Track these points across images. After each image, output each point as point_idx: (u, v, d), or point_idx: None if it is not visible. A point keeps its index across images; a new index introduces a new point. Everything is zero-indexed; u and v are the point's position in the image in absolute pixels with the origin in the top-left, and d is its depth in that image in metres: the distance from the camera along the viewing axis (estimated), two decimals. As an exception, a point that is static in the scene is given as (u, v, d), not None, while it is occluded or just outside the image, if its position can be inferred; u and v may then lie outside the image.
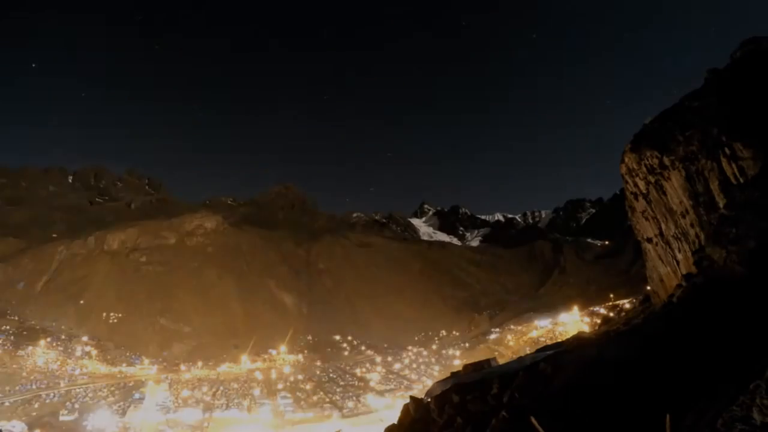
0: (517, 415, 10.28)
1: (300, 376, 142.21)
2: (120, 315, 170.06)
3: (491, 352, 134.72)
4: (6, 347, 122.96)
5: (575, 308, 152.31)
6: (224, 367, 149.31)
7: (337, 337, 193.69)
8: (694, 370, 8.50)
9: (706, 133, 19.67)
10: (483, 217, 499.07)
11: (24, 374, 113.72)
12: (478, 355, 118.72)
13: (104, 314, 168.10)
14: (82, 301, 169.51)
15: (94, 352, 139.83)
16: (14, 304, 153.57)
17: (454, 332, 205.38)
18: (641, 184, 24.94)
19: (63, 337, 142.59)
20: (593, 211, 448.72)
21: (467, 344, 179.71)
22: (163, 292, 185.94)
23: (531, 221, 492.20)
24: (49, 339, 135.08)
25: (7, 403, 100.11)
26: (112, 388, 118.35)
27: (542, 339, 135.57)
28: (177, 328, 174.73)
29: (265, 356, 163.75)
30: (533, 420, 9.43)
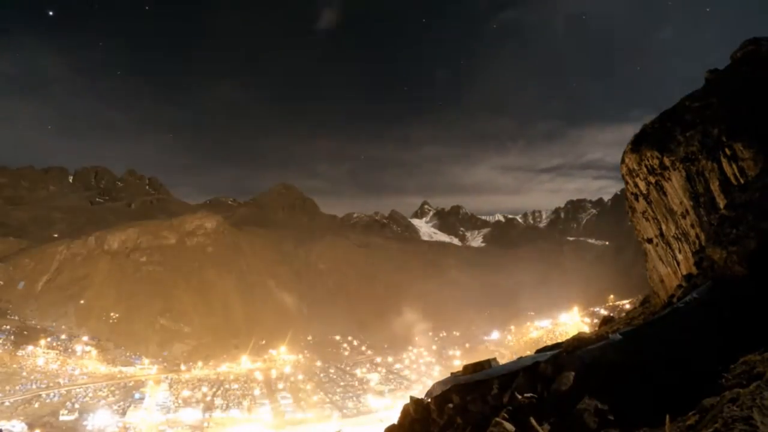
0: (517, 416, 10.32)
1: (300, 377, 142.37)
2: (120, 315, 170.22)
3: (491, 352, 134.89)
4: (6, 347, 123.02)
5: (575, 308, 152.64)
6: (224, 367, 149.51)
7: (337, 337, 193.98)
8: (695, 369, 8.53)
9: (706, 133, 19.68)
10: (484, 217, 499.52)
11: (24, 374, 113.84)
12: (478, 355, 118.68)
13: (104, 314, 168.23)
14: (82, 301, 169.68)
15: (95, 352, 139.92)
16: (14, 304, 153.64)
17: (454, 332, 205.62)
18: (641, 185, 24.94)
19: (63, 336, 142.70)
20: (594, 211, 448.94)
21: (467, 344, 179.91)
22: (163, 292, 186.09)
23: (532, 222, 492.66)
24: (49, 339, 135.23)
25: (7, 403, 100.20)
26: (113, 388, 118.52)
27: (542, 339, 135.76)
28: (177, 328, 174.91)
29: (266, 356, 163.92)
30: (532, 420, 9.45)
